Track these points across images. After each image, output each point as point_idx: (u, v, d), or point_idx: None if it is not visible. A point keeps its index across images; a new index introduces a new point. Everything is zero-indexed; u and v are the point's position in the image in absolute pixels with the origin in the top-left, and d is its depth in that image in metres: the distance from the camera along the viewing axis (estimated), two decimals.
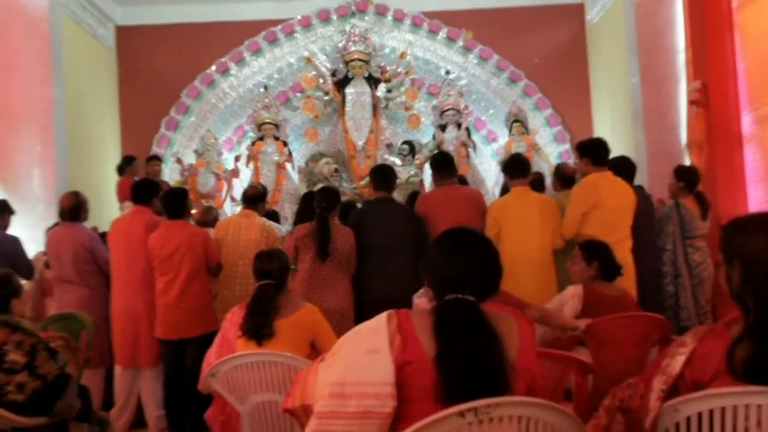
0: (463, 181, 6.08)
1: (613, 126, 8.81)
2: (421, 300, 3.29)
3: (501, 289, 3.06)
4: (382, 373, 1.65)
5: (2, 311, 2.89)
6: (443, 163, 4.91)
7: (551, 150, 9.36)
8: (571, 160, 8.45)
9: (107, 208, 8.16)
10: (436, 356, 1.65)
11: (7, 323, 2.82)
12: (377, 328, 1.73)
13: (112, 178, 8.16)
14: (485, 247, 1.86)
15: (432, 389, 1.64)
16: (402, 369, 1.67)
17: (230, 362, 2.89)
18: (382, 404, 1.64)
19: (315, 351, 3.13)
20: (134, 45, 9.60)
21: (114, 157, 9.06)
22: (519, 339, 1.75)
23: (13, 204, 5.71)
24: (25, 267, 5.22)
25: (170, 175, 9.02)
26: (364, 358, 1.69)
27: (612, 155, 4.56)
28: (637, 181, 5.00)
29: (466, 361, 1.63)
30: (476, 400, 1.57)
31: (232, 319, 3.22)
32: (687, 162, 6.70)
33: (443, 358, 1.65)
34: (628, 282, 3.96)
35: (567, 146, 9.32)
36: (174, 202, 4.49)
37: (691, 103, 6.59)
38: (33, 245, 5.92)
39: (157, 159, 8.25)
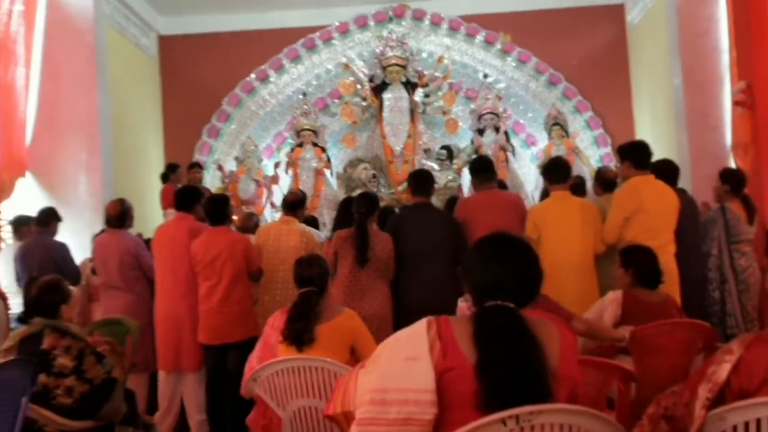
0: (502, 185, 6.04)
1: (655, 128, 8.67)
2: (463, 305, 3.28)
3: (544, 295, 3.06)
4: (422, 380, 1.65)
5: (52, 316, 2.97)
6: (482, 168, 4.88)
7: (592, 153, 9.25)
8: (612, 163, 8.33)
9: (151, 215, 8.32)
10: (477, 363, 1.64)
11: (56, 328, 2.90)
12: (417, 334, 1.73)
13: (156, 185, 8.32)
14: (524, 252, 1.83)
15: (472, 396, 1.63)
16: (443, 376, 1.66)
17: (272, 367, 2.92)
18: (422, 411, 1.63)
19: (354, 356, 3.15)
20: (176, 54, 9.80)
21: (157, 165, 9.25)
22: (560, 346, 1.73)
23: (61, 211, 5.86)
24: (72, 273, 5.35)
25: (211, 182, 9.16)
26: (404, 365, 1.69)
27: (654, 158, 4.49)
28: (680, 184, 4.92)
29: (507, 368, 1.62)
30: (517, 407, 1.56)
31: (274, 324, 3.26)
32: (732, 164, 6.57)
33: (484, 366, 1.64)
34: (671, 287, 3.89)
35: (608, 149, 9.20)
36: (216, 209, 4.57)
37: (736, 103, 6.47)
38: (80, 251, 6.07)
39: (198, 166, 8.40)
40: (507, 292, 1.74)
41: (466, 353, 1.67)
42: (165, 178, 7.98)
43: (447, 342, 1.69)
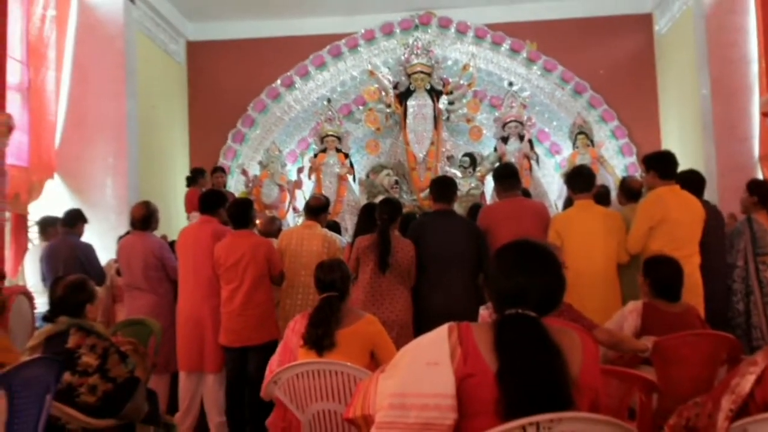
0: (526, 193, 6.01)
1: (682, 138, 8.58)
2: (485, 312, 3.27)
3: (568, 304, 3.04)
4: (443, 385, 1.64)
5: (77, 315, 3.01)
6: (507, 175, 4.84)
7: (617, 163, 9.19)
8: (638, 173, 8.27)
9: (176, 218, 8.41)
10: (498, 371, 1.64)
11: (81, 327, 2.94)
12: (438, 340, 1.72)
13: (181, 189, 8.41)
14: (547, 260, 1.82)
15: (493, 403, 1.62)
16: (463, 382, 1.65)
17: (292, 370, 2.94)
18: (443, 416, 1.63)
19: (374, 361, 3.15)
20: (204, 60, 9.91)
21: (182, 169, 9.35)
22: (582, 355, 1.72)
23: (87, 213, 5.95)
24: (97, 273, 5.43)
25: (235, 186, 9.25)
26: (424, 370, 1.68)
27: (680, 168, 4.44)
28: (707, 195, 4.86)
29: (528, 376, 1.61)
30: (538, 415, 1.55)
31: (295, 327, 3.27)
32: (760, 176, 6.48)
33: (505, 373, 1.63)
34: (695, 299, 3.84)
35: (633, 159, 9.13)
36: (240, 213, 4.61)
37: (765, 115, 6.39)
38: (105, 253, 6.15)
39: (221, 171, 8.47)
40: (529, 300, 1.73)
41: (487, 360, 1.67)
42: (190, 182, 8.06)
43: (468, 348, 1.69)
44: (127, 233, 5.31)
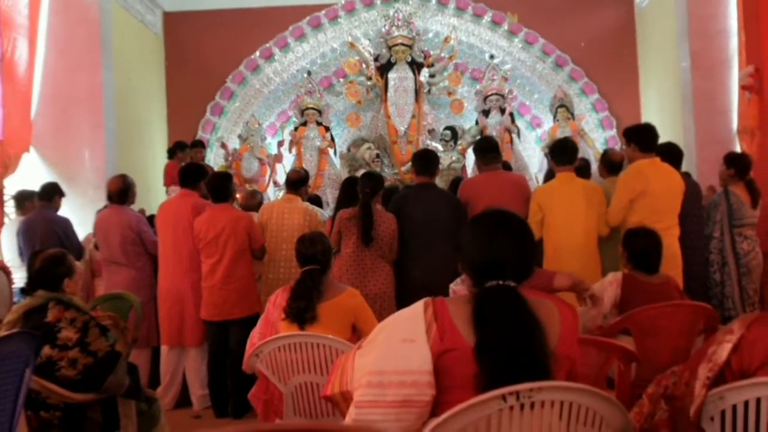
0: (506, 167, 6.02)
1: (662, 111, 8.62)
2: (459, 287, 3.26)
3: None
4: (419, 361, 1.64)
5: (55, 289, 2.98)
6: (488, 148, 4.84)
7: (597, 136, 9.22)
8: (618, 146, 8.31)
9: (154, 192, 8.33)
10: (477, 345, 1.63)
11: (60, 301, 2.91)
12: (414, 316, 1.72)
13: (160, 162, 8.32)
14: (522, 229, 1.82)
15: (471, 377, 1.63)
16: (441, 357, 1.65)
17: (274, 343, 2.94)
18: (420, 393, 1.63)
19: (356, 334, 3.16)
20: (181, 31, 9.74)
21: (161, 142, 9.24)
22: (560, 325, 1.73)
23: (64, 186, 5.87)
24: (75, 248, 5.37)
25: (214, 159, 9.17)
26: (401, 347, 1.68)
27: (660, 141, 4.47)
28: (686, 168, 4.90)
29: (508, 350, 1.61)
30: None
31: (276, 301, 3.26)
32: (738, 148, 6.54)
33: (484, 347, 1.63)
34: (674, 270, 3.89)
35: (613, 132, 9.17)
36: (219, 186, 4.57)
37: (744, 88, 6.43)
38: (82, 227, 6.09)
39: (201, 145, 8.36)
40: (507, 270, 1.72)
41: (464, 334, 1.66)
42: (171, 154, 7.96)
43: (444, 323, 1.68)
44: (105, 207, 5.24)
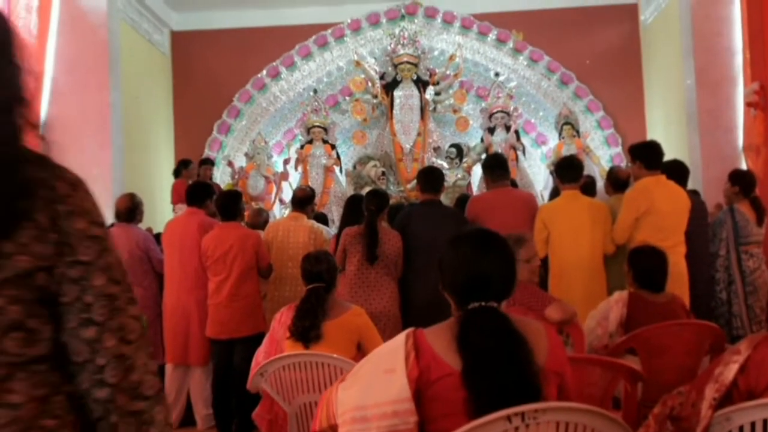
0: (513, 184, 6.02)
1: (667, 129, 8.62)
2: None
3: (527, 285, 3.03)
4: (397, 390, 1.63)
5: None
6: (496, 165, 4.84)
7: (602, 153, 9.22)
8: (623, 163, 8.30)
9: (161, 210, 8.35)
10: (464, 370, 1.62)
11: None
12: (396, 347, 1.70)
13: (167, 181, 8.36)
14: (504, 248, 1.80)
15: (462, 402, 1.61)
16: (429, 387, 1.64)
17: (278, 362, 2.93)
18: (403, 421, 1.62)
19: (361, 353, 3.15)
20: (189, 50, 9.83)
21: (168, 160, 9.29)
22: (548, 342, 1.73)
23: None
24: None
25: (221, 177, 9.20)
26: (382, 378, 1.67)
27: (665, 159, 4.47)
28: (692, 185, 4.89)
29: (496, 371, 1.60)
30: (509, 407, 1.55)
31: (281, 319, 3.26)
32: (743, 166, 6.53)
33: (471, 371, 1.61)
34: (680, 289, 3.87)
35: (619, 149, 9.17)
36: (229, 204, 4.59)
37: (749, 105, 6.43)
38: None
39: (210, 162, 8.42)
40: (490, 290, 1.71)
41: (448, 361, 1.65)
42: (177, 173, 8.00)
43: (425, 354, 1.67)
44: (111, 225, 5.26)
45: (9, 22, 1.11)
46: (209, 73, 9.67)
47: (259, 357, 3.27)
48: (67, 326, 1.02)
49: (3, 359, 0.94)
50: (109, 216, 5.15)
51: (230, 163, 9.04)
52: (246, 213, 6.59)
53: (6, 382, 0.94)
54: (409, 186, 8.54)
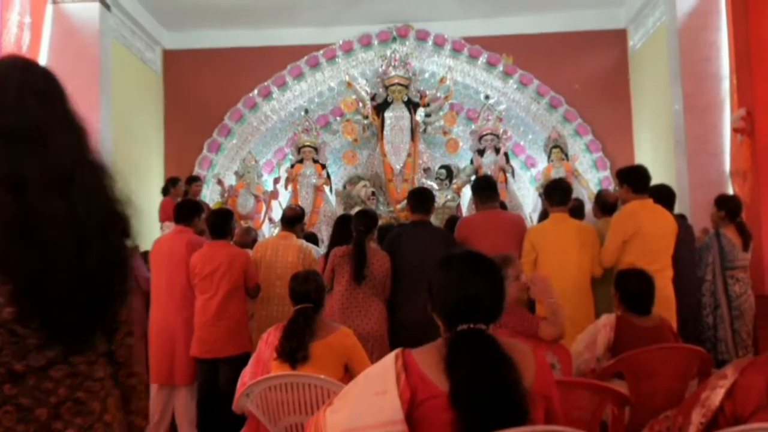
0: (502, 206, 6.04)
1: (655, 153, 8.69)
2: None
3: (515, 309, 3.04)
4: (390, 412, 1.62)
5: None
6: (485, 187, 4.87)
7: (591, 176, 9.27)
8: (612, 187, 8.35)
9: (149, 228, 8.30)
10: (452, 391, 1.62)
11: None
12: (385, 368, 1.70)
13: (155, 199, 8.32)
14: (492, 270, 1.81)
15: (449, 424, 1.61)
16: (417, 408, 1.64)
17: (265, 383, 2.91)
18: None
19: (348, 374, 3.14)
20: (180, 68, 9.84)
21: (157, 178, 9.26)
22: (535, 365, 1.73)
23: None
24: None
25: (211, 196, 9.18)
26: (373, 400, 1.66)
27: (653, 183, 4.50)
28: (678, 209, 4.92)
29: (485, 394, 1.60)
30: (497, 431, 1.55)
31: (268, 340, 3.24)
32: (730, 190, 6.58)
33: (459, 393, 1.61)
34: (668, 312, 3.88)
35: (607, 173, 9.22)
36: (220, 223, 4.58)
37: (735, 131, 6.49)
38: None
39: (198, 180, 8.41)
40: (479, 312, 1.72)
41: (436, 382, 1.65)
42: (165, 191, 7.99)
43: (413, 375, 1.67)
44: None
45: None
46: (201, 91, 9.68)
47: (245, 377, 3.25)
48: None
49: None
50: None
51: (220, 182, 9.02)
52: (235, 232, 6.58)
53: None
54: (399, 206, 8.55)
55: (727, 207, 5.04)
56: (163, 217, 7.53)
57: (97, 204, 1.21)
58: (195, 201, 5.58)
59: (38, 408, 1.16)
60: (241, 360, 3.84)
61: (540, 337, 2.95)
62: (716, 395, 1.81)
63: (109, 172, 1.28)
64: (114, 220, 1.24)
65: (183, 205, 4.99)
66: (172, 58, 9.90)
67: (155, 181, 9.13)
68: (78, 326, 1.21)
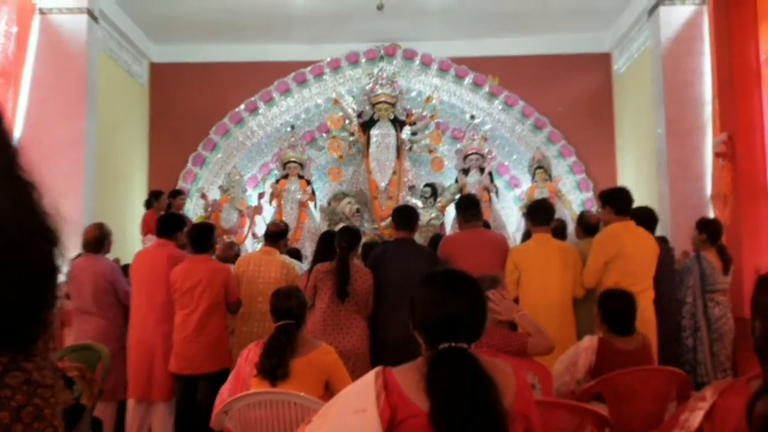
0: (485, 225, 6.06)
1: (637, 176, 8.78)
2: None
3: (500, 329, 3.03)
4: (369, 431, 1.61)
5: None
6: (469, 206, 4.88)
7: (574, 198, 9.34)
8: (594, 208, 8.41)
9: (131, 242, 8.25)
10: (432, 411, 1.60)
11: None
12: (365, 386, 1.69)
13: (138, 212, 8.27)
14: (474, 288, 1.79)
15: None
16: (395, 428, 1.62)
17: (244, 400, 2.88)
18: None
19: (329, 392, 3.11)
20: (167, 82, 9.83)
21: (141, 191, 9.21)
22: (516, 384, 1.73)
23: None
24: None
25: (194, 210, 9.14)
26: (352, 419, 1.64)
27: (635, 205, 4.53)
28: (660, 232, 4.95)
29: (465, 413, 1.59)
30: None
31: (248, 356, 3.21)
32: (711, 214, 6.64)
33: (439, 413, 1.60)
34: (648, 334, 3.89)
35: (590, 194, 9.30)
36: (201, 237, 4.55)
37: (717, 155, 6.57)
38: None
39: (182, 194, 8.37)
40: (461, 330, 1.70)
41: (416, 402, 1.63)
42: (148, 204, 7.94)
43: (393, 393, 1.65)
44: (78, 255, 5.17)
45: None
46: (187, 105, 9.66)
47: (224, 394, 3.21)
48: None
49: None
50: (76, 246, 5.08)
51: (204, 195, 8.99)
52: (217, 246, 6.54)
53: None
54: (383, 223, 8.55)
55: (708, 230, 5.09)
56: (146, 231, 7.48)
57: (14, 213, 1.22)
58: (177, 214, 5.54)
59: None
60: (221, 376, 3.80)
61: (530, 353, 2.94)
62: (695, 417, 1.81)
63: (29, 183, 1.29)
64: (37, 230, 1.24)
65: (165, 218, 4.95)
66: (159, 72, 9.89)
67: (139, 194, 9.08)
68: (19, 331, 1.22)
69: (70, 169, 7.33)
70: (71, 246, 6.84)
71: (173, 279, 4.37)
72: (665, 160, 7.59)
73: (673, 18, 7.67)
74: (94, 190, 7.62)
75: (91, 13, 7.66)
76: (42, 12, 7.46)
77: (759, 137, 6.30)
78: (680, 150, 7.47)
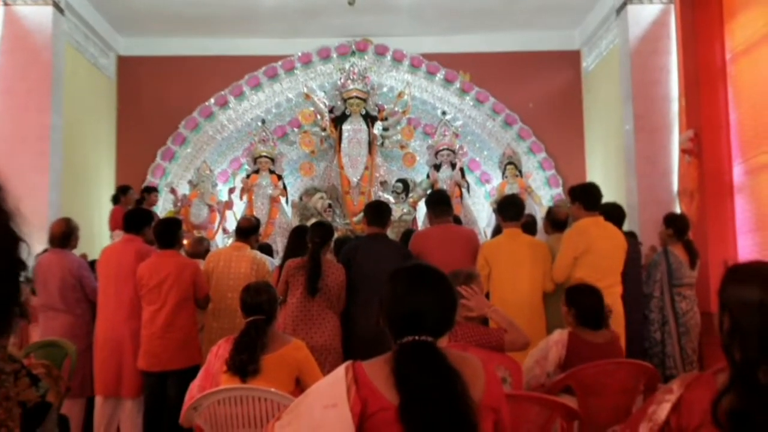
0: (456, 220, 6.08)
1: (606, 172, 8.88)
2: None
3: (473, 325, 3.05)
4: (341, 426, 1.61)
5: None
6: (439, 201, 4.90)
7: (544, 193, 9.43)
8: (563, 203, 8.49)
9: (99, 237, 8.13)
10: (400, 404, 1.61)
11: None
12: (336, 381, 1.69)
13: (106, 207, 8.15)
14: (440, 282, 1.80)
15: None
16: (367, 420, 1.63)
17: (213, 396, 2.86)
18: None
19: (300, 388, 3.10)
20: (135, 75, 9.68)
21: (108, 186, 9.07)
22: (485, 377, 1.74)
23: None
24: None
25: (163, 205, 9.02)
26: (323, 414, 1.64)
27: (604, 201, 4.58)
28: (628, 227, 5.01)
29: (432, 406, 1.59)
30: None
31: (218, 352, 3.18)
32: (678, 210, 6.75)
33: (407, 406, 1.61)
34: (617, 329, 3.94)
35: (559, 190, 9.39)
36: (166, 232, 4.48)
37: (683, 151, 6.68)
38: None
39: (154, 190, 8.26)
40: (425, 323, 1.71)
41: (386, 395, 1.64)
42: (116, 199, 7.83)
43: (363, 387, 1.66)
44: (44, 251, 5.08)
45: None
46: (155, 99, 9.53)
47: (193, 390, 3.18)
48: None
49: None
50: (43, 241, 4.99)
51: (173, 190, 8.87)
52: (187, 241, 6.48)
53: None
54: (355, 219, 8.54)
55: (675, 225, 5.17)
56: (113, 226, 7.38)
57: None
58: (145, 209, 5.47)
59: None
60: (190, 373, 3.76)
61: (508, 349, 2.97)
62: (662, 409, 1.83)
63: None
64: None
65: (132, 213, 4.89)
66: (126, 65, 9.74)
67: (106, 188, 8.95)
68: None
69: (35, 163, 7.21)
70: (37, 241, 6.77)
71: (140, 275, 4.32)
72: (633, 156, 7.69)
73: (641, 16, 7.78)
74: (61, 184, 7.50)
75: (56, 5, 7.53)
76: (6, 3, 7.32)
77: (724, 134, 6.43)
78: (648, 146, 7.58)
